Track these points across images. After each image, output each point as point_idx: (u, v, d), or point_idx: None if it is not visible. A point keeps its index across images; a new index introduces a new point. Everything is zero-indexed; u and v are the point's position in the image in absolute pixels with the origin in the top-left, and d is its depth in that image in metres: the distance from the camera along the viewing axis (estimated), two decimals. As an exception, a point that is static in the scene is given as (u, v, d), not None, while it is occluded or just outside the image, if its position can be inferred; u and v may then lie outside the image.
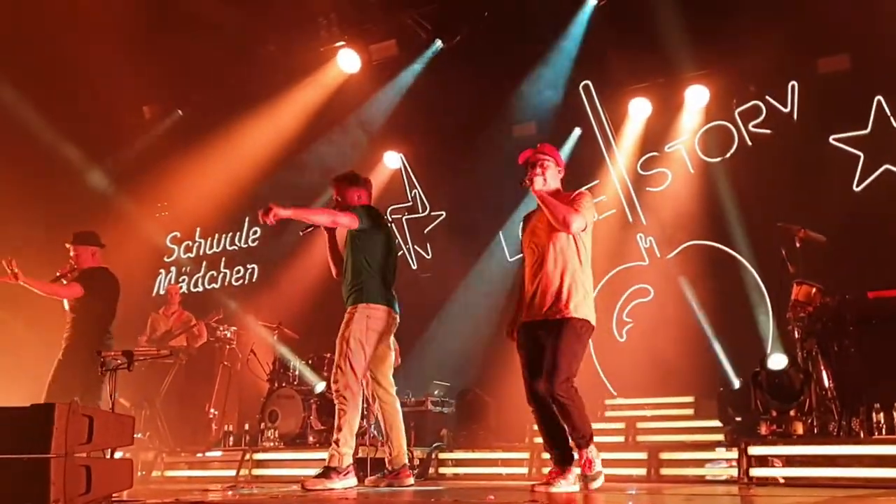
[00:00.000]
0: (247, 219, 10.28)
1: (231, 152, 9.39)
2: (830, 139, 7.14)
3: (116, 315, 6.16)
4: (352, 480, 4.57)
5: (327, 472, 4.48)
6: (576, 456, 4.15)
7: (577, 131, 8.39)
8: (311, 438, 6.68)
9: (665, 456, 5.26)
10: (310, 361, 7.25)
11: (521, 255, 4.58)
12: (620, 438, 6.58)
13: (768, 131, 7.50)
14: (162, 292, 9.85)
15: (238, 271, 10.23)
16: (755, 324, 7.10)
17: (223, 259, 10.40)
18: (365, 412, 6.09)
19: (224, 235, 10.45)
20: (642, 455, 5.33)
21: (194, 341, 8.15)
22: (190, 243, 10.66)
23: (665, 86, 8.03)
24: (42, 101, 8.95)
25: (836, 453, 4.52)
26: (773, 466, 4.67)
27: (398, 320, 4.87)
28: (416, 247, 9.22)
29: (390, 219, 9.30)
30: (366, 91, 8.80)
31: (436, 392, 7.36)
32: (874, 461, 4.36)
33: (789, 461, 4.67)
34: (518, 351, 4.30)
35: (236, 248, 10.37)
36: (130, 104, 9.56)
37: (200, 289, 10.38)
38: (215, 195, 9.70)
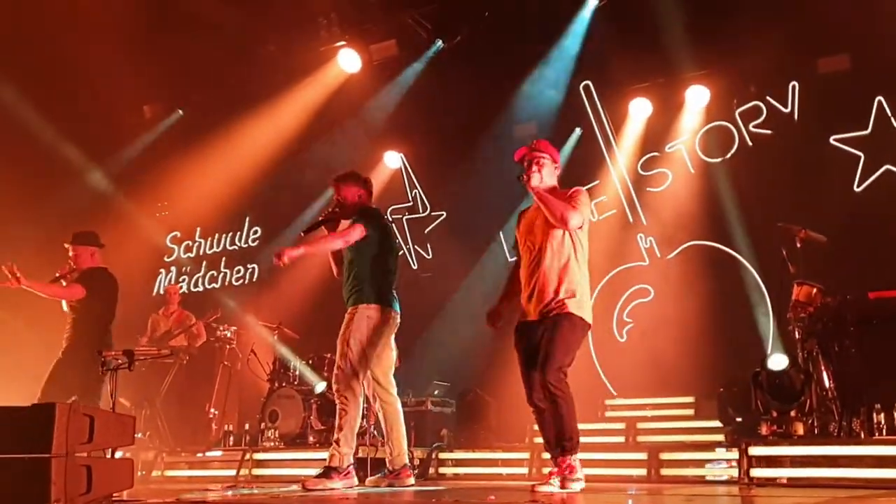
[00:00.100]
0: (247, 218, 10.28)
1: (231, 152, 9.39)
2: (831, 139, 7.14)
3: (116, 315, 6.16)
4: (352, 480, 4.58)
5: (328, 471, 4.49)
6: (558, 463, 4.06)
7: (577, 131, 8.39)
8: (311, 438, 6.68)
9: (665, 456, 5.26)
10: (310, 361, 7.25)
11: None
12: (621, 439, 6.58)
13: (769, 131, 7.49)
14: (162, 292, 9.84)
15: (238, 271, 10.23)
16: (756, 324, 7.10)
17: (223, 259, 10.40)
18: (365, 412, 6.09)
19: (224, 235, 10.45)
20: (642, 455, 5.33)
21: (194, 341, 8.16)
22: (190, 243, 10.66)
23: (665, 86, 8.03)
24: (42, 100, 8.95)
25: (836, 454, 4.51)
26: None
27: (399, 320, 4.87)
28: (416, 247, 9.22)
29: (390, 218, 9.30)
30: (366, 91, 8.79)
31: (436, 392, 7.36)
32: (875, 462, 4.36)
33: (790, 462, 4.66)
34: (515, 350, 4.29)
35: (236, 247, 10.37)
36: (131, 104, 9.55)
37: (201, 288, 10.38)
38: (215, 195, 9.70)
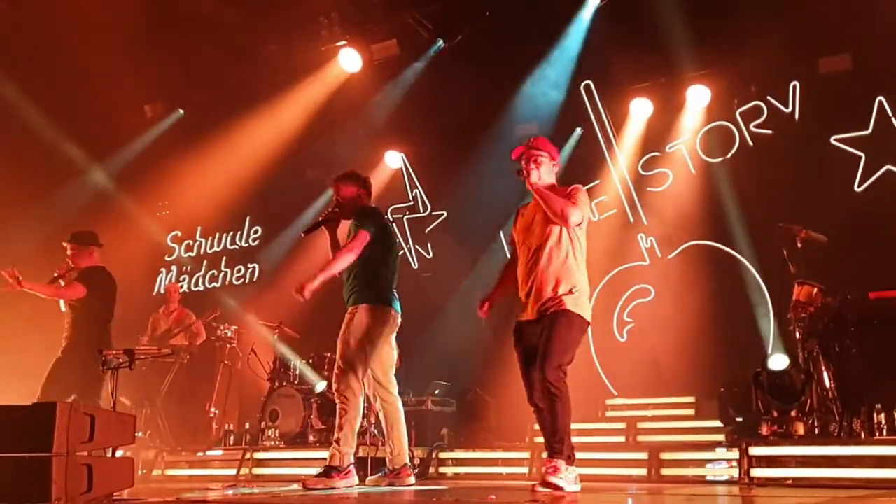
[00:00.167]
0: (247, 218, 10.29)
1: (232, 151, 9.39)
2: (832, 139, 7.14)
3: (115, 314, 6.16)
4: (353, 480, 4.58)
5: (328, 471, 4.49)
6: (547, 463, 3.96)
7: (578, 131, 8.39)
8: (311, 438, 6.68)
9: (666, 456, 5.26)
10: (310, 361, 7.25)
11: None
12: (621, 438, 6.59)
13: (769, 131, 7.49)
14: (162, 291, 9.85)
15: (239, 270, 10.24)
16: (756, 324, 7.10)
17: (224, 258, 10.41)
18: (366, 411, 6.09)
19: (225, 234, 10.46)
20: (643, 455, 5.33)
21: (194, 340, 8.17)
22: (191, 242, 10.66)
23: (666, 86, 8.03)
24: (43, 100, 8.95)
25: (837, 454, 4.52)
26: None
27: (399, 320, 4.87)
28: (417, 246, 9.22)
29: (391, 218, 9.30)
30: (367, 91, 8.79)
31: (436, 392, 7.36)
32: (875, 462, 4.36)
33: (790, 462, 4.66)
34: (515, 350, 4.27)
35: (237, 247, 10.38)
36: (132, 103, 9.55)
37: (201, 288, 10.39)
38: (216, 194, 9.70)
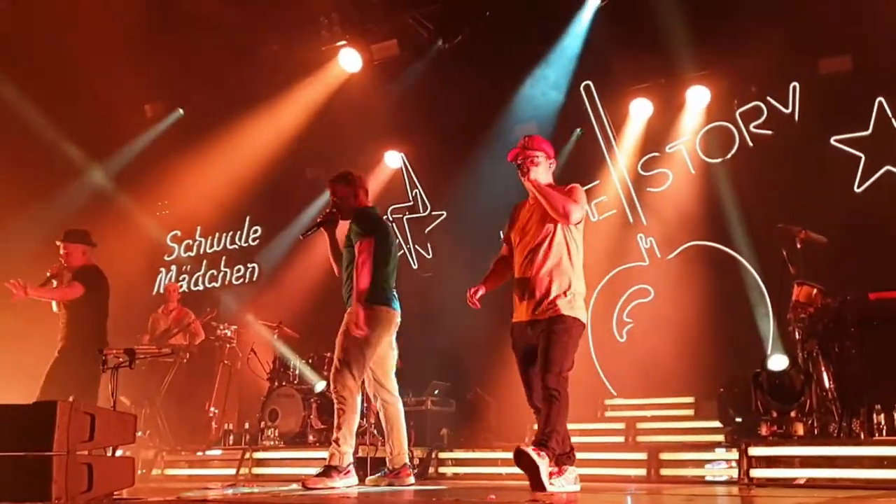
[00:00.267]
0: (247, 218, 10.29)
1: (232, 151, 9.39)
2: (831, 140, 7.14)
3: (114, 313, 6.16)
4: (352, 479, 4.58)
5: (328, 470, 4.49)
6: (540, 456, 3.79)
7: (577, 132, 8.39)
8: (311, 437, 6.68)
9: (665, 456, 5.26)
10: (310, 360, 7.26)
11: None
12: (620, 439, 6.59)
13: (769, 132, 7.49)
14: (162, 291, 9.86)
15: (238, 270, 10.24)
16: (756, 324, 7.10)
17: (223, 258, 10.41)
18: (365, 411, 6.10)
19: (224, 234, 10.46)
20: (642, 455, 5.33)
21: (193, 339, 8.18)
22: (190, 242, 10.66)
23: (666, 86, 8.02)
24: (43, 99, 8.96)
25: (836, 454, 4.52)
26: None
27: (399, 320, 4.87)
28: (416, 246, 9.23)
29: (391, 218, 9.31)
30: (367, 91, 8.79)
31: (436, 392, 7.36)
32: (874, 462, 4.37)
33: (790, 462, 4.67)
34: (513, 351, 4.25)
35: (237, 247, 10.38)
36: (132, 103, 9.55)
37: (201, 287, 10.39)
38: (216, 194, 9.71)
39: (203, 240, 10.60)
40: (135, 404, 7.17)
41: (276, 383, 7.24)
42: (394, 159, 9.43)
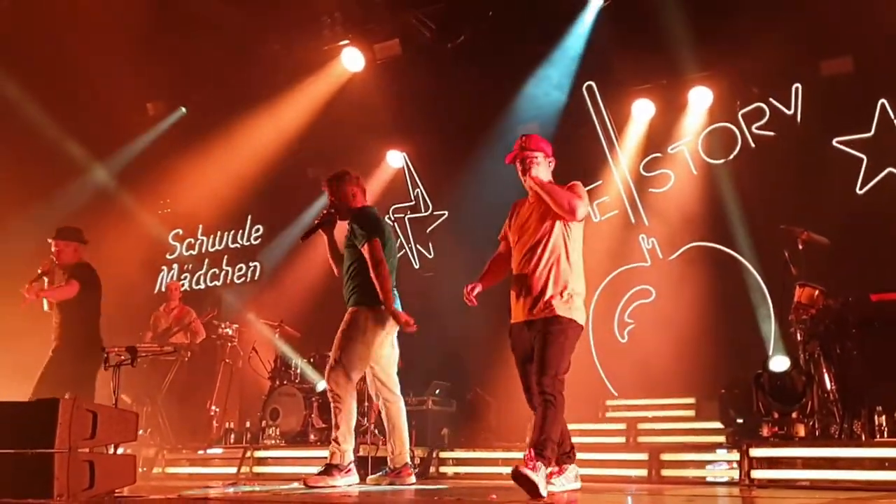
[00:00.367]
0: (249, 217, 10.29)
1: (234, 150, 9.40)
2: (833, 142, 7.14)
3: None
4: (353, 478, 4.59)
5: (329, 469, 4.50)
6: (536, 470, 3.63)
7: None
8: (312, 436, 6.69)
9: (666, 457, 5.26)
10: (311, 360, 7.27)
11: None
12: (621, 439, 6.60)
13: (771, 133, 7.49)
14: (164, 289, 9.86)
15: (240, 269, 10.25)
16: (757, 326, 7.10)
17: (225, 256, 10.41)
18: (366, 410, 6.11)
19: (226, 233, 10.47)
20: (643, 456, 5.33)
21: (194, 338, 8.19)
22: (192, 240, 10.67)
23: (668, 87, 8.02)
24: (46, 98, 8.96)
25: (837, 456, 4.52)
26: None
27: (400, 320, 4.85)
28: (418, 246, 9.23)
29: (393, 218, 9.32)
30: (369, 90, 8.79)
31: (437, 392, 7.37)
32: (876, 464, 4.36)
33: (791, 463, 4.67)
34: (513, 353, 4.20)
35: (238, 245, 10.38)
36: (134, 102, 9.56)
37: (202, 286, 10.40)
38: (218, 193, 9.71)
39: (205, 238, 10.61)
40: (136, 402, 7.18)
41: (278, 382, 7.25)
42: (396, 159, 9.44)
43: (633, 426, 6.66)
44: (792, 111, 7.42)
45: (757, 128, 7.57)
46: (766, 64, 7.18)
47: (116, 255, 9.15)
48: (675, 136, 8.00)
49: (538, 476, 3.57)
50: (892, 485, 4.20)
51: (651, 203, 8.04)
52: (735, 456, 4.94)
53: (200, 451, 6.73)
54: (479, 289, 4.27)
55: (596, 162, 8.20)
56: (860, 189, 6.97)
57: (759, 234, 7.20)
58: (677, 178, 7.93)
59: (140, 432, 6.64)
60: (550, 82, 8.31)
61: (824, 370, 5.17)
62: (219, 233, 10.51)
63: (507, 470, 5.67)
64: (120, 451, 4.30)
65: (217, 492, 4.47)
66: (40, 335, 6.32)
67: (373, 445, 5.59)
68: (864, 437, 4.74)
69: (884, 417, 4.69)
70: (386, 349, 4.85)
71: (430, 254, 9.14)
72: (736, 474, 4.85)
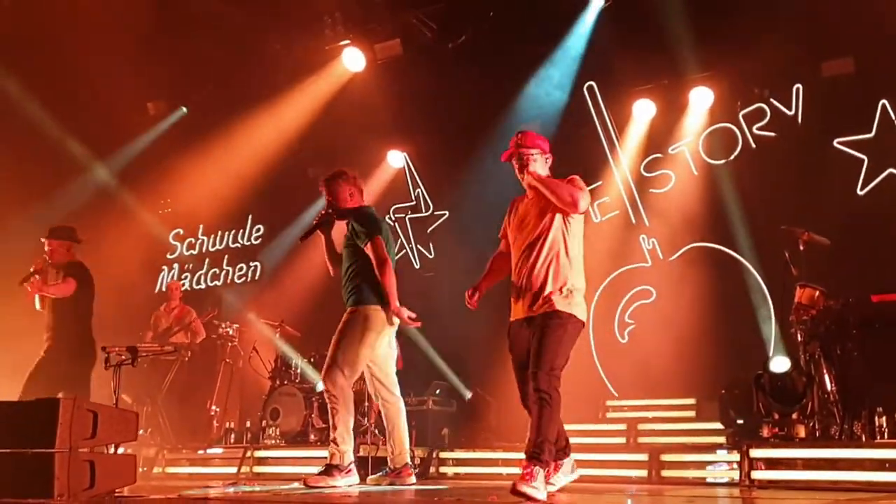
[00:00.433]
0: (249, 216, 10.30)
1: (235, 150, 9.40)
2: (834, 142, 7.14)
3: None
4: (354, 478, 4.58)
5: (329, 469, 4.49)
6: (524, 468, 3.60)
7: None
8: (312, 436, 6.69)
9: (666, 458, 5.26)
10: (312, 359, 7.27)
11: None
12: (621, 440, 6.60)
13: (772, 134, 7.49)
14: (164, 289, 9.87)
15: (241, 269, 10.25)
16: (758, 326, 7.09)
17: (226, 256, 10.42)
18: (366, 410, 6.11)
19: (227, 233, 10.47)
20: (643, 457, 5.33)
21: (194, 338, 8.19)
22: (193, 240, 10.68)
23: (669, 87, 8.02)
24: (47, 98, 8.97)
25: (838, 457, 4.52)
26: None
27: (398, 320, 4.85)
28: (419, 246, 9.23)
29: (394, 218, 9.32)
30: (370, 90, 8.79)
31: (437, 392, 7.37)
32: (876, 465, 4.36)
33: (791, 464, 4.67)
34: (510, 352, 4.10)
35: (239, 245, 10.39)
36: (135, 101, 9.56)
37: (203, 286, 10.40)
38: (218, 192, 9.72)
39: (205, 238, 10.62)
40: (136, 402, 7.19)
41: (278, 382, 7.25)
42: (396, 159, 9.44)
43: (633, 427, 6.66)
44: (793, 112, 7.42)
45: (758, 128, 7.57)
46: (767, 64, 7.18)
47: (117, 255, 9.16)
48: (676, 136, 8.00)
49: (536, 484, 3.53)
50: (893, 486, 4.19)
51: (652, 203, 8.03)
52: (735, 457, 4.94)
53: (200, 451, 6.73)
54: (478, 295, 4.23)
55: (597, 162, 8.20)
56: (861, 190, 6.97)
57: (760, 235, 7.20)
58: (678, 179, 7.93)
59: (140, 432, 6.64)
60: (551, 82, 8.31)
61: (825, 371, 5.17)
62: (219, 232, 10.52)
63: (508, 470, 5.75)
64: (120, 450, 4.30)
65: (217, 492, 4.47)
66: (40, 335, 6.33)
67: (373, 445, 5.59)
68: (864, 438, 4.74)
69: (884, 418, 4.69)
70: (383, 349, 4.84)
71: (431, 254, 9.14)
72: (736, 475, 4.84)
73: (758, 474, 4.65)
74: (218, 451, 6.74)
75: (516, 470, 5.68)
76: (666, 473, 5.18)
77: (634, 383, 7.43)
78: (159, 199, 10.56)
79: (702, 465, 5.21)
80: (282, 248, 9.74)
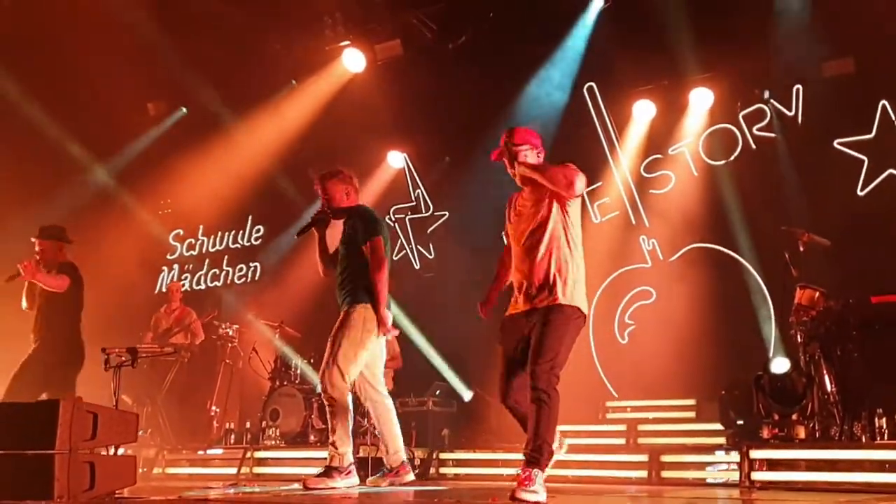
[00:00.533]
0: (249, 217, 10.30)
1: (235, 150, 9.41)
2: (835, 143, 7.14)
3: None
4: (354, 480, 4.57)
5: (329, 471, 4.48)
6: (522, 472, 3.53)
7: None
8: (312, 437, 6.69)
9: (666, 458, 5.26)
10: (311, 360, 7.28)
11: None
12: (621, 440, 6.60)
13: (772, 135, 7.49)
14: (164, 290, 9.87)
15: (241, 269, 10.25)
16: (758, 327, 7.10)
17: (226, 257, 10.42)
18: (366, 411, 6.09)
19: (227, 233, 10.47)
20: (643, 457, 5.33)
21: (194, 339, 8.18)
22: (193, 241, 10.67)
23: (669, 88, 8.02)
24: (47, 98, 8.96)
25: (837, 458, 4.53)
26: None
27: (392, 320, 4.82)
28: (418, 246, 9.23)
29: (394, 218, 9.32)
30: (370, 91, 8.80)
31: (437, 392, 7.37)
32: (876, 466, 4.37)
33: (791, 465, 4.67)
34: (500, 344, 3.92)
35: (239, 246, 10.39)
36: (135, 102, 9.56)
37: (203, 286, 10.40)
38: (218, 193, 9.72)
39: (205, 239, 10.61)
40: (136, 403, 7.18)
41: (278, 383, 7.25)
42: (396, 159, 9.44)
43: (633, 427, 6.66)
44: (793, 112, 7.42)
45: (758, 129, 7.57)
46: (767, 65, 7.17)
47: (116, 255, 9.16)
48: (676, 137, 8.00)
49: (535, 488, 3.50)
50: (893, 487, 4.19)
51: (652, 204, 8.03)
52: (735, 457, 4.94)
53: (200, 452, 6.73)
54: (490, 304, 4.18)
55: (597, 163, 8.19)
56: (861, 190, 6.97)
57: (760, 236, 7.20)
58: (678, 180, 7.92)
59: (140, 433, 6.64)
60: (551, 83, 8.31)
61: (825, 372, 5.17)
62: (219, 233, 10.52)
63: (508, 471, 5.73)
64: (120, 451, 4.30)
65: (217, 492, 4.47)
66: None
67: (372, 446, 5.59)
68: (864, 439, 4.74)
69: (884, 419, 4.69)
70: (375, 349, 4.81)
71: (431, 254, 9.14)
72: (736, 476, 4.85)
73: (758, 475, 4.65)
74: (218, 451, 6.74)
75: (517, 471, 5.70)
76: (666, 474, 5.19)
77: (634, 384, 7.43)
78: (159, 200, 10.56)
79: (702, 465, 5.22)
80: (282, 249, 9.74)
